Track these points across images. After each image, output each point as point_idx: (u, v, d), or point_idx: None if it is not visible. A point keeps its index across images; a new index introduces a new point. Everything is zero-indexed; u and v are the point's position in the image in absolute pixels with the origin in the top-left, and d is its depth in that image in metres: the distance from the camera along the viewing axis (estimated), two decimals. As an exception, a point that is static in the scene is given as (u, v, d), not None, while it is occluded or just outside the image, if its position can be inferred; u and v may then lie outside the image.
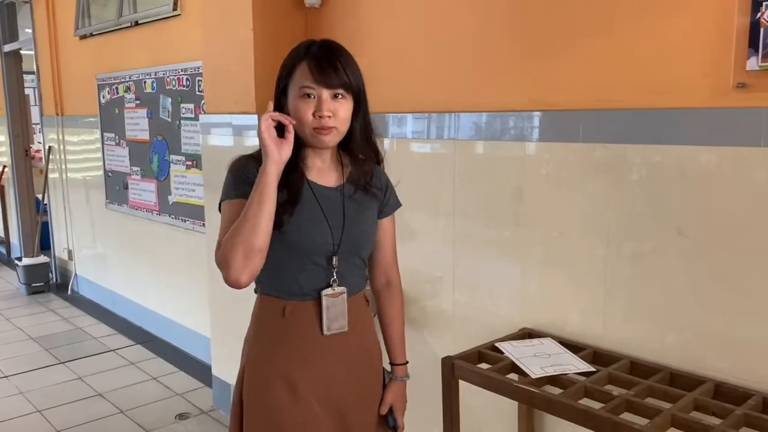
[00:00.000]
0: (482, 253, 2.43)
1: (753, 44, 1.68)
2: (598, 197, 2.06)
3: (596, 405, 1.73)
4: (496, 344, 2.11)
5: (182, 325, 4.41)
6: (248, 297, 1.68)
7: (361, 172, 1.63)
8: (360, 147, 1.61)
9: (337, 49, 1.54)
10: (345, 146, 1.62)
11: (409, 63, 2.63)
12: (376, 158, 1.67)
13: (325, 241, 1.57)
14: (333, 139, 1.53)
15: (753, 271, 1.75)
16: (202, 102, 3.53)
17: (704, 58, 1.80)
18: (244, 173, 1.52)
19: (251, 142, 3.02)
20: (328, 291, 1.58)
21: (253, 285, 1.57)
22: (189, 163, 4.03)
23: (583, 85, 2.08)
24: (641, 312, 2.00)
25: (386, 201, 1.73)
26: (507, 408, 2.27)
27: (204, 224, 3.61)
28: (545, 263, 2.24)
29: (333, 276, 1.59)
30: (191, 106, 3.94)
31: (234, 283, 1.42)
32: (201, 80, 3.68)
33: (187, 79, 3.95)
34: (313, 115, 1.48)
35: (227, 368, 3.44)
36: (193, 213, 4.01)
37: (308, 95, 1.48)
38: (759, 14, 1.66)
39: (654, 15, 1.90)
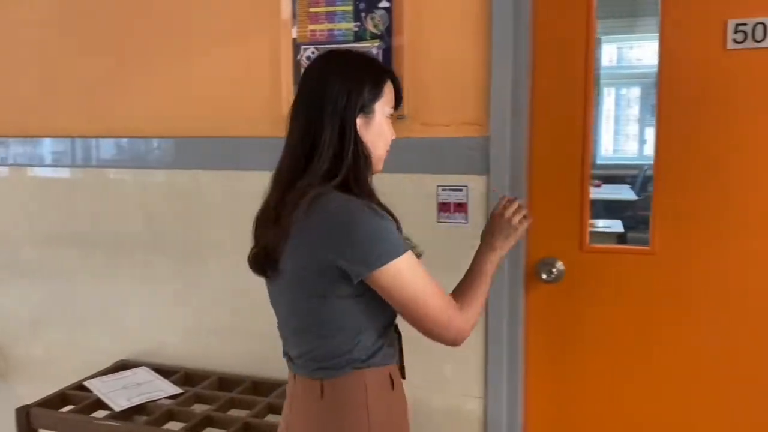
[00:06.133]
0: (75, 288, 2.30)
1: (297, 82, 1.91)
2: (180, 220, 2.13)
3: (181, 425, 1.77)
4: (84, 383, 2.01)
5: None
6: None
7: None
8: None
9: None
10: None
11: None
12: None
13: None
14: None
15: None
16: None
17: (263, 92, 1.99)
18: (393, 224, 1.24)
19: None
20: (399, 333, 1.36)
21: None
22: None
23: (161, 113, 2.13)
24: (227, 328, 2.11)
25: None
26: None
27: None
28: (137, 290, 2.22)
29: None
30: None
31: (461, 342, 1.26)
32: None
33: None
34: None
35: None
36: None
37: (388, 116, 1.31)
38: (299, 56, 1.91)
39: (222, 51, 2.04)
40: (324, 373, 1.23)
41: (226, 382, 2.04)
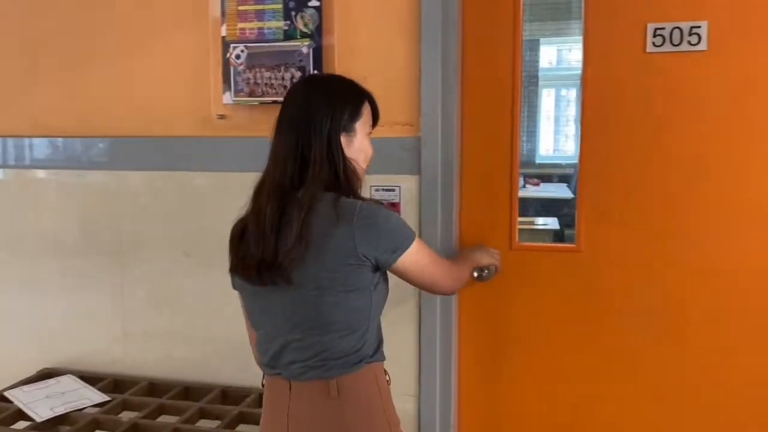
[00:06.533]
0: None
1: (226, 81, 1.89)
2: (108, 223, 2.06)
3: (107, 435, 1.72)
4: (4, 393, 1.93)
5: None
6: None
7: None
8: None
9: None
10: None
11: None
12: None
13: None
14: None
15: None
16: None
17: (191, 91, 1.95)
18: None
19: None
20: None
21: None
22: None
23: (87, 112, 2.07)
24: (158, 333, 2.06)
25: None
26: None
27: None
28: (62, 295, 2.14)
29: None
30: None
31: (453, 293, 1.73)
32: None
33: None
34: None
35: None
36: None
37: (368, 134, 1.43)
38: (228, 54, 1.88)
39: (152, 50, 1.99)
40: (339, 371, 1.30)
41: (156, 389, 1.99)
